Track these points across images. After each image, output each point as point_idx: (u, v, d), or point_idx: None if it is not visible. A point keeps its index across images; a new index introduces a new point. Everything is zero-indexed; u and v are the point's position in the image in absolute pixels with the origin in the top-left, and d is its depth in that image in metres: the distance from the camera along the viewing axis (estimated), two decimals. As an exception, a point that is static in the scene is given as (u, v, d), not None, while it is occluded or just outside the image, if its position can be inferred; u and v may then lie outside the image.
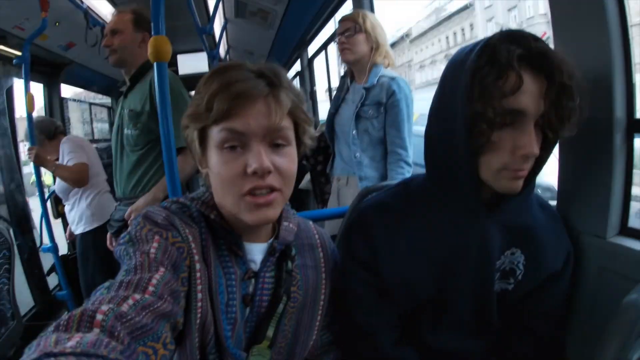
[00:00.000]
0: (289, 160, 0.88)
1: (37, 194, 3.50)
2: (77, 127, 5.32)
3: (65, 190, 3.30)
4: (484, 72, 0.88)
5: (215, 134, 0.84)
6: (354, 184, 2.29)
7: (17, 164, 3.54)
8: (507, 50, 0.87)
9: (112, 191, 2.64)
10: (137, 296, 0.67)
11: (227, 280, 0.90)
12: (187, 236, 0.86)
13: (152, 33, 1.55)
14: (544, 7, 28.43)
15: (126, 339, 0.58)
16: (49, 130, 3.37)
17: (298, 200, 3.80)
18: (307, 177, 3.05)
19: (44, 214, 3.45)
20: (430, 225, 1.06)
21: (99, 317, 0.58)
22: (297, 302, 0.99)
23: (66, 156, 3.15)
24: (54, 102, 4.89)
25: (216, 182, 0.87)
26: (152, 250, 0.78)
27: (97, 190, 3.32)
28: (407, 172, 2.15)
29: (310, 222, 1.15)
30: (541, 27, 28.33)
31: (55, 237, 3.54)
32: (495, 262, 1.04)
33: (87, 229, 3.26)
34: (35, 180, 3.46)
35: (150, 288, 0.70)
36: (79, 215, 3.29)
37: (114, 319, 0.59)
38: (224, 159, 0.84)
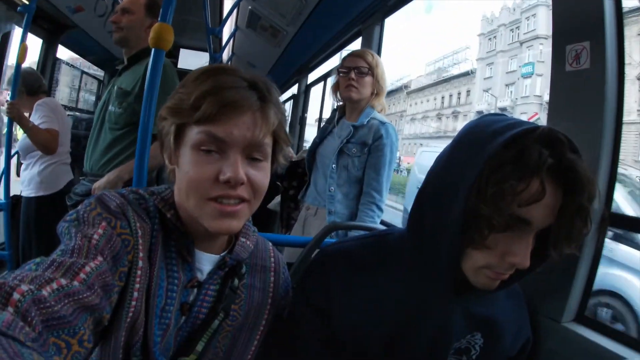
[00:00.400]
0: (262, 174, 0.86)
1: (4, 147, 3.40)
2: (63, 91, 5.24)
3: (25, 149, 3.25)
4: (505, 171, 0.77)
5: (194, 134, 0.81)
6: (322, 216, 2.26)
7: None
8: (539, 154, 0.76)
9: (80, 164, 2.59)
10: (63, 281, 0.62)
11: (169, 284, 0.86)
12: (136, 230, 0.82)
13: (159, 19, 1.54)
14: (539, 90, 29.37)
15: (38, 327, 0.55)
16: (32, 86, 3.31)
17: (263, 219, 3.78)
18: (277, 198, 3.05)
19: (5, 169, 3.33)
20: (395, 289, 0.98)
21: (16, 296, 0.55)
22: (235, 322, 0.95)
23: (39, 119, 3.11)
24: (48, 60, 4.80)
25: (183, 182, 0.83)
26: (95, 237, 0.74)
27: (54, 160, 3.27)
28: (377, 217, 2.15)
29: (270, 244, 1.12)
30: (533, 107, 29.24)
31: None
32: (452, 344, 0.97)
33: (32, 195, 3.23)
34: (5, 133, 3.37)
35: (82, 275, 0.66)
36: (28, 179, 3.25)
37: (30, 302, 0.55)
38: (197, 160, 0.81)
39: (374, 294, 0.97)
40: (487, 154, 0.79)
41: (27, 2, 3.17)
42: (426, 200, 0.94)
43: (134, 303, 0.78)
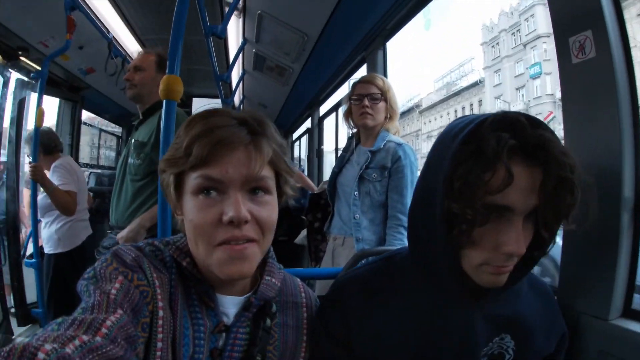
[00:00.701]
0: (268, 209, 0.84)
1: (31, 208, 3.51)
2: (84, 150, 5.39)
3: (44, 208, 3.37)
4: (467, 166, 0.79)
5: (192, 180, 0.80)
6: (350, 245, 2.23)
7: (16, 174, 3.55)
8: (497, 140, 0.76)
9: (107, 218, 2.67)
10: (85, 337, 0.61)
11: (195, 331, 0.84)
12: (153, 280, 0.82)
13: (167, 72, 1.56)
14: (551, 88, 29.06)
15: None
16: (49, 145, 3.43)
17: (292, 255, 3.78)
18: (304, 232, 3.05)
19: (34, 229, 3.43)
20: (410, 308, 0.96)
21: (41, 355, 0.54)
22: None
23: (57, 181, 3.22)
24: (74, 121, 5.03)
25: (190, 230, 0.82)
26: (113, 291, 0.74)
27: (72, 218, 3.38)
28: (405, 238, 2.02)
29: (298, 280, 1.10)
30: (547, 106, 28.89)
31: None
32: (479, 352, 0.94)
33: (51, 252, 3.34)
34: (30, 195, 3.48)
35: (104, 330, 0.65)
36: (47, 236, 3.37)
37: None
38: (198, 205, 0.80)
39: (391, 317, 0.96)
40: (450, 154, 0.80)
41: (39, 68, 3.29)
42: (416, 213, 0.95)
43: (159, 354, 0.78)
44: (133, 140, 2.33)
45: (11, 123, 3.52)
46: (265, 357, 0.91)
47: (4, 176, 3.67)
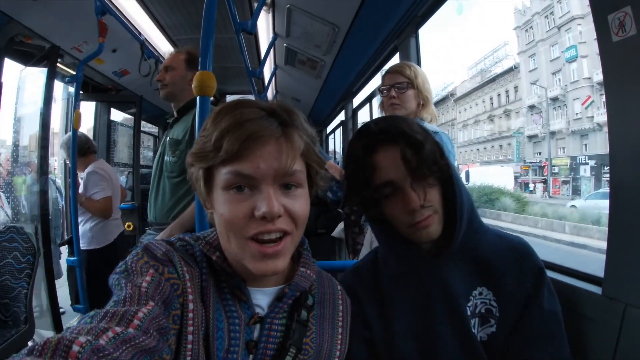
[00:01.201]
0: (300, 203, 0.84)
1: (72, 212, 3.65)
2: (122, 151, 5.51)
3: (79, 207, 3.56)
4: (348, 171, 1.12)
5: (222, 175, 0.80)
6: None
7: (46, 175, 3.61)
8: (355, 145, 1.10)
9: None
10: (118, 329, 0.63)
11: (230, 324, 0.85)
12: (183, 274, 0.83)
13: (199, 68, 1.58)
14: (587, 72, 28.25)
15: None
16: (82, 147, 3.59)
17: (330, 249, 3.77)
18: (341, 225, 3.03)
19: (75, 230, 3.55)
20: (395, 281, 1.18)
21: (75, 348, 0.55)
22: (308, 355, 0.92)
23: (93, 188, 3.46)
24: (102, 123, 5.15)
25: (221, 224, 0.83)
26: (144, 284, 0.75)
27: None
28: None
29: (329, 275, 1.11)
30: (585, 90, 28.10)
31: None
32: (463, 303, 1.10)
33: (85, 248, 3.54)
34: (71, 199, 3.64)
35: (136, 321, 0.67)
36: (82, 234, 3.57)
37: (90, 352, 0.55)
38: (229, 199, 0.80)
39: (386, 294, 1.18)
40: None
41: (73, 73, 3.36)
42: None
43: (189, 346, 0.79)
44: (168, 138, 2.37)
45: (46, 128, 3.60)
46: (302, 351, 0.91)
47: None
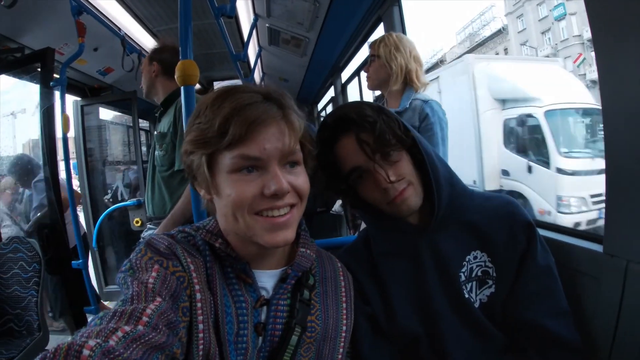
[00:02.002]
0: (302, 178, 0.89)
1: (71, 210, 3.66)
2: (117, 149, 5.49)
3: None
4: (320, 165, 1.10)
5: (227, 159, 0.83)
6: None
7: (52, 182, 3.59)
8: (318, 141, 1.12)
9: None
10: (127, 328, 0.64)
11: (238, 308, 0.87)
12: (188, 265, 0.85)
13: (180, 57, 1.56)
14: (577, 29, 27.99)
15: None
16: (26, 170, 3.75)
17: (331, 225, 3.78)
18: (339, 202, 3.02)
19: (76, 231, 3.55)
20: (388, 258, 1.19)
21: (86, 352, 0.56)
22: (315, 332, 0.95)
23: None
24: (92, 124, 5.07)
25: (228, 206, 0.85)
26: (151, 280, 0.77)
27: None
28: None
29: (329, 253, 1.15)
30: (576, 48, 27.86)
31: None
32: (455, 270, 1.13)
33: None
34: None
35: (144, 318, 0.68)
36: None
37: (100, 355, 0.56)
38: (238, 180, 0.83)
39: (380, 270, 1.19)
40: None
41: (57, 76, 3.33)
42: None
43: (201, 335, 0.81)
44: (155, 133, 2.37)
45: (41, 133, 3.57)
46: (307, 328, 0.94)
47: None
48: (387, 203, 1.10)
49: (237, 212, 0.84)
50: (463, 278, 1.13)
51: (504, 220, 1.14)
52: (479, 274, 1.13)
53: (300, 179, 0.88)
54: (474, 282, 1.12)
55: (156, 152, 2.34)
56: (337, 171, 1.15)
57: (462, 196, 1.17)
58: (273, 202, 0.83)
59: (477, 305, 1.12)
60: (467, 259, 1.14)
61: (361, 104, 1.16)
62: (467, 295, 1.11)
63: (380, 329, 1.14)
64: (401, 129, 1.10)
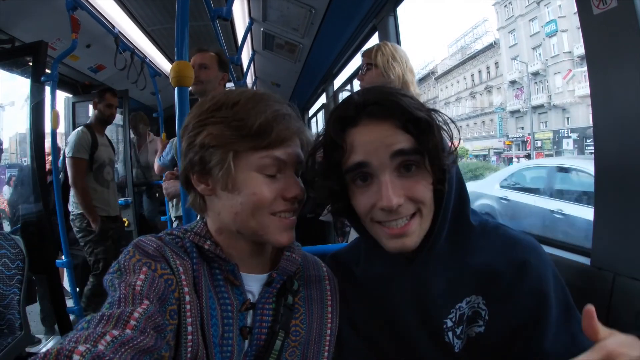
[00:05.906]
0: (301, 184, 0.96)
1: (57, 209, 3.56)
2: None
3: None
4: (317, 146, 0.93)
5: (257, 158, 0.87)
6: None
7: (37, 178, 3.42)
8: (333, 126, 0.88)
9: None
10: (115, 332, 0.63)
11: (223, 311, 0.88)
12: (177, 267, 0.85)
13: (175, 58, 1.56)
14: (568, 46, 28.39)
15: None
16: None
17: (319, 232, 3.77)
18: (328, 207, 3.01)
19: (62, 229, 3.49)
20: (371, 276, 1.02)
21: (76, 358, 0.55)
22: (299, 337, 0.95)
23: None
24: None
25: (246, 203, 0.87)
26: (139, 283, 0.77)
27: None
28: None
29: (316, 257, 1.12)
30: (566, 64, 28.26)
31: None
32: (441, 317, 0.91)
33: None
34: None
35: (132, 322, 0.68)
36: None
37: None
38: (263, 181, 0.88)
39: (362, 288, 1.03)
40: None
41: (49, 71, 3.30)
42: None
43: (189, 337, 0.80)
44: None
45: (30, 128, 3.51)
46: (290, 333, 0.94)
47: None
48: (376, 222, 0.88)
49: (257, 211, 0.88)
50: (449, 324, 0.92)
51: (513, 275, 0.89)
52: (469, 314, 0.92)
53: (301, 187, 0.94)
54: (463, 326, 0.92)
55: None
56: (336, 162, 0.88)
57: (467, 233, 0.94)
58: (289, 205, 0.91)
59: (458, 347, 0.92)
60: (457, 307, 0.92)
61: (413, 96, 0.88)
62: (447, 340, 0.92)
63: (360, 335, 1.01)
64: (444, 153, 0.85)
